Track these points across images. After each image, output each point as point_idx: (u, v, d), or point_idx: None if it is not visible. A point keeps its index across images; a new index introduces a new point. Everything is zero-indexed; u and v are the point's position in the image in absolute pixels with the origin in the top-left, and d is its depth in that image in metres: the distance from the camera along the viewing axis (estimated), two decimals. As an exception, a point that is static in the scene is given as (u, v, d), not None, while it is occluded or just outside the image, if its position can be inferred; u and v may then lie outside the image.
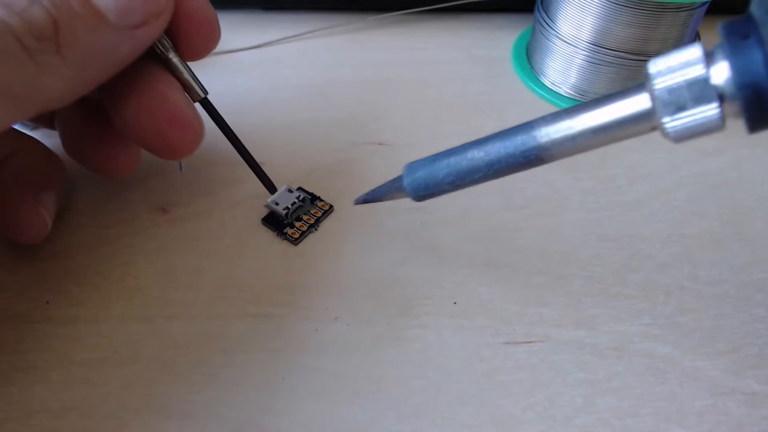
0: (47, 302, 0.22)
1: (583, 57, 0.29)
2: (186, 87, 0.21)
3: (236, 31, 0.34)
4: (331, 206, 0.25)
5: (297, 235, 0.24)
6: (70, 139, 0.23)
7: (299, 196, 0.25)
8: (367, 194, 0.22)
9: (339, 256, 0.23)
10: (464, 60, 0.33)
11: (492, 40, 0.35)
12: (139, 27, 0.18)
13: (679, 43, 0.28)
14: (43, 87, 0.16)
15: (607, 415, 0.19)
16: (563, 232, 0.24)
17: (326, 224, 0.25)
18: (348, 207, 0.24)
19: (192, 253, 0.23)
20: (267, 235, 0.24)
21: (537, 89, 0.31)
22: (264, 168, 0.24)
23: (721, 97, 0.14)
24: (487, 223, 0.25)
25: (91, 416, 0.19)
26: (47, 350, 0.20)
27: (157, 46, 0.20)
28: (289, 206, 0.24)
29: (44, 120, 0.24)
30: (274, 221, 0.24)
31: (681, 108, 0.14)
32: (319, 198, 0.25)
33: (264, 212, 0.25)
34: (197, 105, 0.22)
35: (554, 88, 0.31)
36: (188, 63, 0.21)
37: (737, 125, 0.14)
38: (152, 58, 0.20)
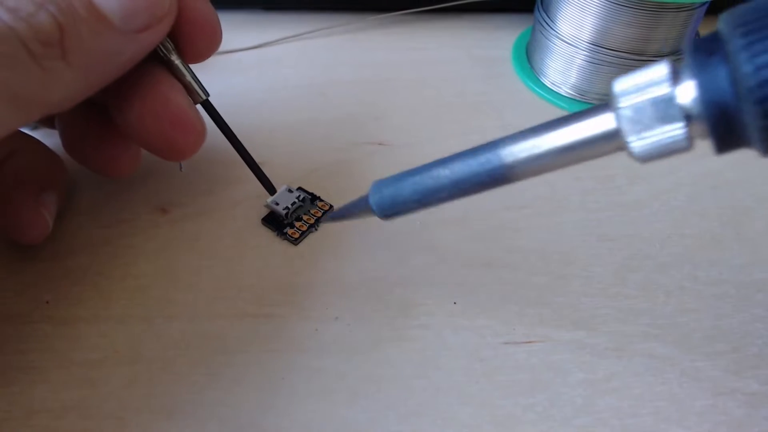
0: (47, 302, 0.22)
1: (583, 57, 0.29)
2: (188, 89, 0.21)
3: (236, 31, 0.34)
4: (331, 206, 0.25)
5: (297, 235, 0.24)
6: (71, 139, 0.23)
7: (299, 196, 0.25)
8: (333, 213, 0.22)
9: (339, 256, 0.23)
10: (464, 60, 0.33)
11: (492, 40, 0.35)
12: (143, 31, 0.18)
13: (679, 43, 0.28)
14: (48, 91, 0.16)
15: (607, 415, 0.19)
16: (563, 232, 0.24)
17: (326, 224, 0.25)
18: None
19: (192, 253, 0.23)
20: (267, 235, 0.24)
21: (537, 89, 0.31)
22: (264, 168, 0.24)
23: (687, 116, 0.13)
24: (487, 223, 0.25)
25: (91, 416, 0.19)
26: (47, 350, 0.20)
27: (160, 49, 0.20)
28: (289, 206, 0.24)
29: (45, 120, 0.24)
30: (274, 221, 0.24)
31: (646, 128, 0.13)
32: (319, 198, 0.25)
33: (264, 212, 0.25)
34: (198, 106, 0.22)
35: (554, 88, 0.31)
36: (190, 65, 0.21)
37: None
38: (155, 60, 0.20)
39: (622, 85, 0.14)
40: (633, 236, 0.24)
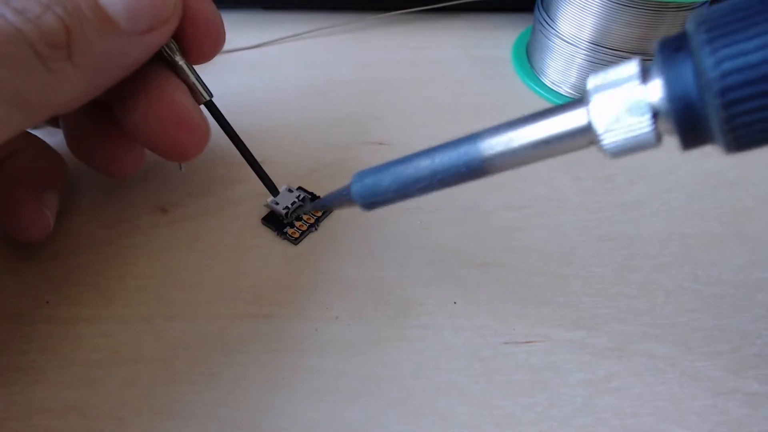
0: (47, 302, 0.22)
1: (583, 56, 0.29)
2: (192, 90, 0.21)
3: (236, 31, 0.34)
4: (331, 206, 0.25)
5: (297, 235, 0.24)
6: (75, 138, 0.23)
7: (299, 195, 0.25)
8: (316, 202, 0.22)
9: (339, 256, 0.23)
10: (464, 59, 0.33)
11: (492, 39, 0.35)
12: (148, 32, 0.18)
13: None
14: (55, 93, 0.16)
15: (607, 415, 0.19)
16: (563, 232, 0.24)
17: (326, 224, 0.25)
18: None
19: (192, 253, 0.23)
20: (267, 235, 0.24)
21: (537, 89, 0.31)
22: (264, 167, 0.24)
23: (655, 112, 0.13)
24: (487, 223, 0.25)
25: (91, 416, 0.19)
26: (47, 350, 0.20)
27: (165, 50, 0.20)
28: (289, 206, 0.24)
29: (49, 119, 0.24)
30: (274, 221, 0.24)
31: (615, 123, 0.14)
32: (319, 198, 0.25)
33: (264, 212, 0.25)
34: (202, 107, 0.22)
35: (554, 88, 0.31)
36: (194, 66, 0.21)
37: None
38: (159, 61, 0.20)
39: (594, 81, 0.14)
40: (633, 236, 0.24)
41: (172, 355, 0.20)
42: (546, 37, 0.30)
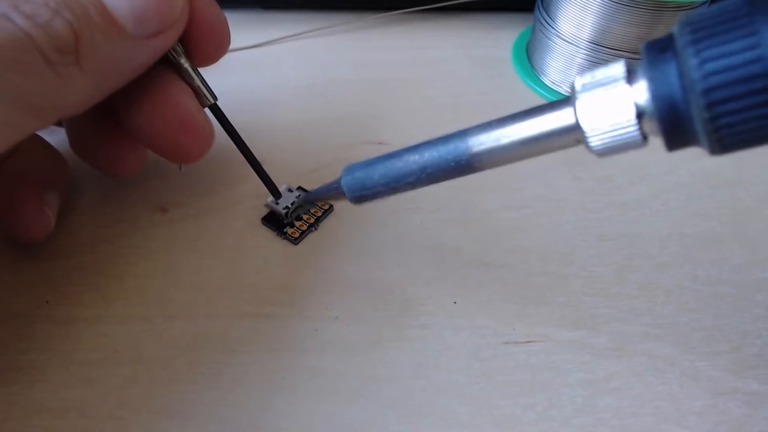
0: (47, 302, 0.22)
1: (583, 56, 0.29)
2: (197, 93, 0.21)
3: (236, 31, 0.33)
4: (331, 206, 0.25)
5: (297, 235, 0.24)
6: (78, 138, 0.23)
7: (299, 195, 0.25)
8: (307, 195, 0.22)
9: (339, 256, 0.23)
10: (464, 59, 0.33)
11: (492, 39, 0.35)
12: (155, 36, 0.18)
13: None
14: (62, 97, 0.16)
15: (607, 415, 0.19)
16: (563, 232, 0.24)
17: (326, 224, 0.25)
18: (348, 207, 0.24)
19: (192, 253, 0.23)
20: (267, 235, 0.24)
21: (537, 88, 0.31)
22: (264, 167, 0.24)
23: (640, 113, 0.14)
24: (487, 223, 0.25)
25: (91, 416, 0.19)
26: (47, 350, 0.20)
27: (170, 53, 0.20)
28: (289, 206, 0.24)
29: None
30: (274, 221, 0.24)
31: (601, 123, 0.14)
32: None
33: (264, 212, 0.25)
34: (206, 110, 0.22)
35: (555, 88, 0.31)
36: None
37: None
38: (164, 64, 0.20)
39: (582, 80, 0.14)
40: (633, 236, 0.24)
41: (172, 355, 0.20)
42: (546, 37, 0.30)
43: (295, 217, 0.24)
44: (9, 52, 0.15)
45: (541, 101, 0.31)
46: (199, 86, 0.21)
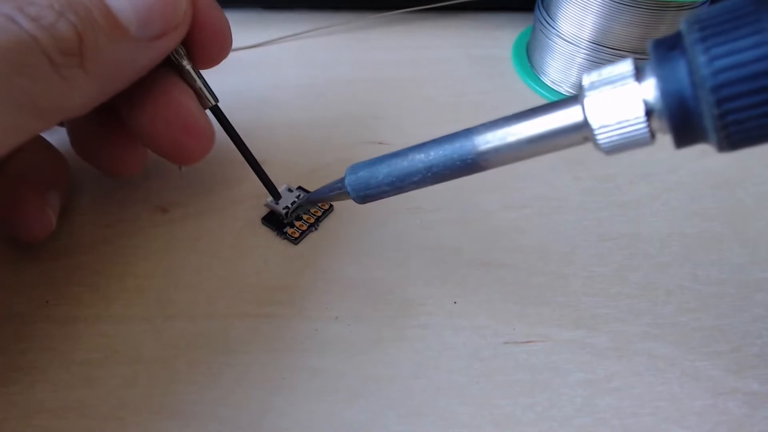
0: (47, 302, 0.22)
1: (584, 56, 0.29)
2: (198, 95, 0.21)
3: (236, 31, 0.33)
4: (331, 206, 0.25)
5: (297, 235, 0.24)
6: (79, 138, 0.23)
7: (299, 195, 0.25)
8: (311, 195, 0.22)
9: (339, 256, 0.23)
10: (464, 59, 0.33)
11: (492, 39, 0.35)
12: (158, 38, 0.18)
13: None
14: (67, 99, 0.16)
15: (607, 415, 0.19)
16: (563, 232, 0.24)
17: (326, 224, 0.25)
18: (348, 207, 0.24)
19: (192, 253, 0.23)
20: (267, 235, 0.24)
21: (538, 88, 0.31)
22: (264, 167, 0.24)
23: (648, 110, 0.14)
24: (487, 223, 0.25)
25: (91, 416, 0.19)
26: (47, 350, 0.20)
27: (172, 55, 0.20)
28: (289, 206, 0.24)
29: None
30: (274, 221, 0.24)
31: (610, 120, 0.14)
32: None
33: (264, 212, 0.25)
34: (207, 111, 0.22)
35: (555, 87, 0.31)
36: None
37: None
38: (166, 65, 0.20)
39: (590, 78, 0.14)
40: (633, 236, 0.24)
41: (172, 355, 0.20)
42: (546, 37, 0.30)
43: (295, 216, 0.24)
44: (15, 55, 0.15)
45: (542, 101, 0.31)
46: (200, 88, 0.21)
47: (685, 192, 0.26)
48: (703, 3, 0.27)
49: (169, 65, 0.20)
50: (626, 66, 0.14)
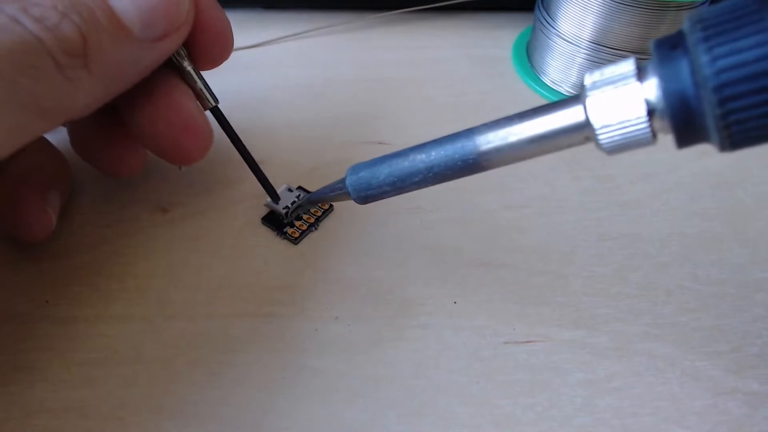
0: (47, 302, 0.22)
1: (584, 56, 0.29)
2: (199, 96, 0.21)
3: (236, 30, 0.33)
4: (331, 206, 0.25)
5: (297, 235, 0.24)
6: (79, 138, 0.23)
7: (299, 195, 0.25)
8: (311, 195, 0.22)
9: (339, 256, 0.23)
10: (464, 59, 0.33)
11: (492, 39, 0.35)
12: (161, 39, 0.18)
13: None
14: (70, 100, 0.16)
15: (607, 415, 0.19)
16: (563, 232, 0.24)
17: (326, 224, 0.25)
18: (348, 206, 0.24)
19: (192, 253, 0.23)
20: (267, 235, 0.24)
21: (538, 88, 0.31)
22: (263, 167, 0.24)
23: (650, 110, 0.14)
24: (487, 223, 0.25)
25: (91, 416, 0.19)
26: (47, 350, 0.20)
27: (174, 56, 0.20)
28: (289, 205, 0.24)
29: None
30: (274, 220, 0.24)
31: (612, 120, 0.14)
32: (318, 197, 0.25)
33: (264, 211, 0.25)
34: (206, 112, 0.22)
35: (555, 87, 0.31)
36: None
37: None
38: (167, 66, 0.20)
39: (591, 78, 0.14)
40: (633, 236, 0.24)
41: (172, 355, 0.20)
42: (546, 37, 0.30)
43: (295, 216, 0.24)
44: (19, 56, 0.15)
45: (542, 101, 0.31)
46: (201, 89, 0.21)
47: (685, 192, 0.26)
48: (704, 2, 0.27)
49: (170, 66, 0.20)
50: (628, 66, 0.14)
